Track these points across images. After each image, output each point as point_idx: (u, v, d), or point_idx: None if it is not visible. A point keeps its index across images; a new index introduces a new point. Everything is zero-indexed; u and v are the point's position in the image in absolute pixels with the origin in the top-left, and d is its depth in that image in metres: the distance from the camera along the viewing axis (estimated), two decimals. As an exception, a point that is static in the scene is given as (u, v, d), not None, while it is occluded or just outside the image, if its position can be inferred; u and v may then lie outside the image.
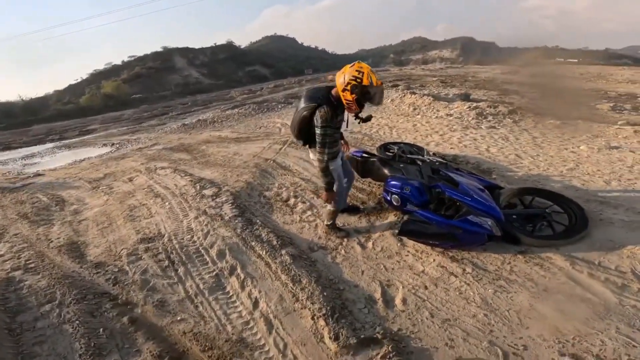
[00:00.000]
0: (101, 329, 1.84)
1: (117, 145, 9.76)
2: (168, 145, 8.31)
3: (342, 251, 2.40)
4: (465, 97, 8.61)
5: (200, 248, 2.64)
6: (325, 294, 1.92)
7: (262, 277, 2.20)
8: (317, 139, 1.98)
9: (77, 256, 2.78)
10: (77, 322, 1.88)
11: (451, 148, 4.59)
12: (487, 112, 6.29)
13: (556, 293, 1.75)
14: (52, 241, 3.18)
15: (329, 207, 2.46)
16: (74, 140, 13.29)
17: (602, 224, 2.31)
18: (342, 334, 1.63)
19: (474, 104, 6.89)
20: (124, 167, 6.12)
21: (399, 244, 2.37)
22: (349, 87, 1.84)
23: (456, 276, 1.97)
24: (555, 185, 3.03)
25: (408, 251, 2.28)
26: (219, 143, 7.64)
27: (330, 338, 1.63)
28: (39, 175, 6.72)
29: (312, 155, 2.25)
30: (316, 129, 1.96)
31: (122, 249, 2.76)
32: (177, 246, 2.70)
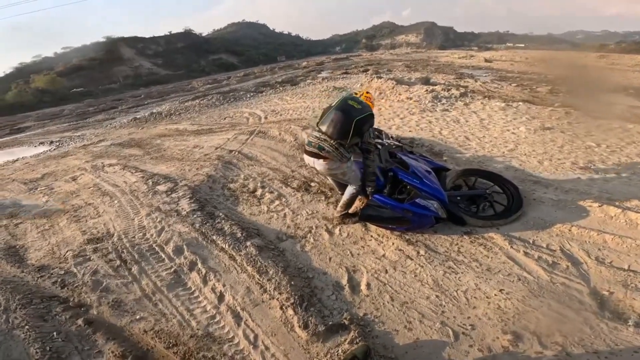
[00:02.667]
0: (55, 333, 1.80)
1: (57, 143, 8.89)
2: (117, 140, 7.75)
3: (311, 239, 2.42)
4: (425, 81, 9.10)
5: (154, 245, 2.52)
6: (293, 283, 1.93)
7: (227, 270, 2.15)
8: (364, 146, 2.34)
9: (16, 261, 2.62)
10: (27, 326, 1.82)
11: (409, 131, 4.79)
12: (442, 95, 6.68)
13: (497, 272, 1.88)
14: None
15: (345, 196, 2.49)
16: (3, 139, 11.87)
17: (535, 203, 2.51)
18: (311, 322, 1.65)
19: (432, 88, 7.28)
20: (66, 166, 5.70)
21: (363, 229, 2.43)
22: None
23: (411, 259, 2.06)
24: (497, 166, 3.26)
25: (371, 236, 2.35)
26: (176, 136, 7.27)
27: (300, 327, 1.64)
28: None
29: (323, 166, 2.34)
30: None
31: (67, 251, 2.63)
32: (128, 245, 2.58)
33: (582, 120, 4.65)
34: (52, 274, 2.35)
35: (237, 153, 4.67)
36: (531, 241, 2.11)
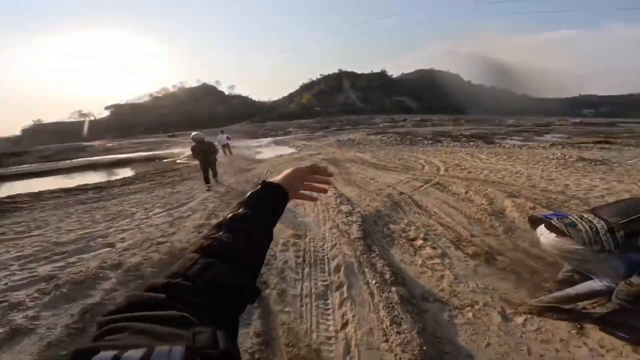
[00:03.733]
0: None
1: (299, 149, 13.34)
2: (326, 156, 10.29)
3: (469, 314, 2.15)
4: None
5: (325, 256, 3.20)
6: (424, 348, 1.81)
7: (362, 304, 2.32)
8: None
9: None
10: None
11: None
12: None
13: None
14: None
15: (582, 290, 1.98)
16: (279, 137, 18.74)
17: None
18: None
19: None
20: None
21: (573, 331, 1.88)
22: None
23: None
24: None
25: (585, 342, 1.78)
26: (360, 164, 8.59)
27: None
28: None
29: (551, 242, 1.99)
30: None
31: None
32: (312, 248, 3.41)
33: None
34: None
35: (406, 197, 4.98)
36: None
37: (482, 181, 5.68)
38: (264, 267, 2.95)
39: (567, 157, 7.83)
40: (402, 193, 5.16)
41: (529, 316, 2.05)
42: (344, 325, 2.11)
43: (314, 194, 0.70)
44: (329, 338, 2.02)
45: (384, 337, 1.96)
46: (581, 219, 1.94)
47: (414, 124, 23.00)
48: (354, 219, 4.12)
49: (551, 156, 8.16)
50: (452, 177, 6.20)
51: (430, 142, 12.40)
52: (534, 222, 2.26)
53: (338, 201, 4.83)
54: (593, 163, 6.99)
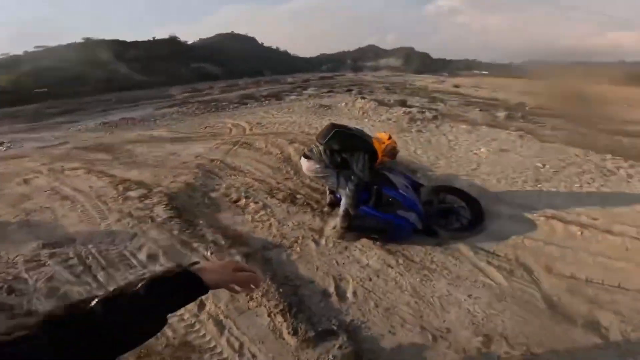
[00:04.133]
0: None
1: (8, 144, 8.22)
2: (81, 144, 7.35)
3: (298, 249, 2.45)
4: (403, 103, 9.94)
5: (125, 251, 2.41)
6: (281, 290, 1.93)
7: None
8: (349, 191, 2.47)
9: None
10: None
11: (390, 149, 5.09)
12: (417, 117, 7.33)
13: (465, 279, 2.06)
14: None
15: (342, 209, 2.59)
16: None
17: (494, 217, 2.78)
18: (300, 328, 1.66)
19: (408, 110, 8.06)
20: (18, 168, 5.25)
21: (356, 242, 2.50)
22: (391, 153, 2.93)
23: (392, 267, 2.19)
24: (462, 184, 3.52)
25: (355, 246, 2.45)
26: (150, 143, 7.05)
27: (289, 333, 1.64)
28: None
29: (305, 165, 2.66)
30: (350, 178, 2.48)
31: (17, 256, 2.41)
32: (94, 251, 2.43)
33: (532, 143, 5.28)
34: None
35: (219, 162, 4.62)
36: (492, 251, 2.33)
37: (275, 134, 6.32)
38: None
39: (315, 106, 10.37)
40: (213, 160, 4.73)
41: (326, 236, 2.57)
42: (200, 306, 1.88)
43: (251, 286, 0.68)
44: (191, 325, 1.78)
45: (248, 297, 1.92)
46: (315, 145, 2.67)
47: (220, 90, 21.68)
48: (155, 200, 3.37)
49: (309, 106, 10.52)
50: (255, 135, 6.45)
51: (236, 105, 12.34)
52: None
53: (121, 189, 3.70)
54: (325, 108, 9.86)
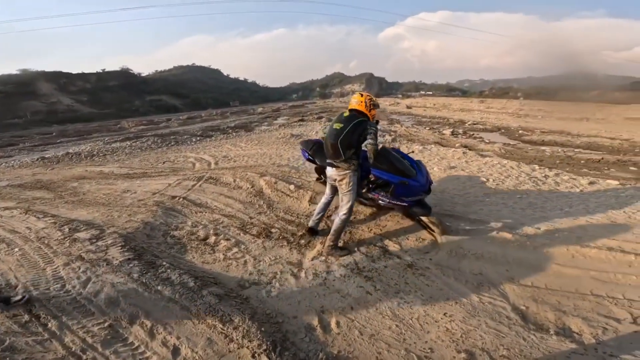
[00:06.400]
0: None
1: None
2: (16, 181, 6.59)
3: (277, 284, 2.39)
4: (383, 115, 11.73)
5: (79, 298, 2.14)
6: (263, 329, 1.84)
7: (179, 322, 1.93)
8: (372, 140, 2.59)
9: None
10: None
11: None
12: (380, 140, 8.27)
13: (438, 298, 2.18)
14: None
15: (335, 225, 2.73)
16: None
17: (453, 234, 2.96)
18: None
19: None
20: None
21: (326, 269, 2.56)
22: (372, 106, 2.77)
23: (370, 293, 2.25)
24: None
25: (334, 276, 2.48)
26: (99, 179, 6.57)
27: None
28: None
29: (336, 173, 2.72)
30: (369, 134, 2.59)
31: None
32: (40, 298, 2.14)
33: (475, 159, 6.02)
34: None
35: (181, 199, 4.42)
36: (457, 268, 2.50)
37: (244, 167, 6.28)
38: None
39: (287, 136, 10.66)
40: (174, 197, 4.50)
41: (305, 269, 2.59)
42: (175, 351, 1.76)
43: None
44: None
45: (227, 338, 1.81)
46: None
47: (180, 122, 21.11)
48: (109, 241, 3.13)
49: (280, 136, 10.75)
50: (222, 169, 6.29)
51: (199, 138, 12.01)
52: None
53: (67, 230, 3.39)
54: (297, 137, 10.13)
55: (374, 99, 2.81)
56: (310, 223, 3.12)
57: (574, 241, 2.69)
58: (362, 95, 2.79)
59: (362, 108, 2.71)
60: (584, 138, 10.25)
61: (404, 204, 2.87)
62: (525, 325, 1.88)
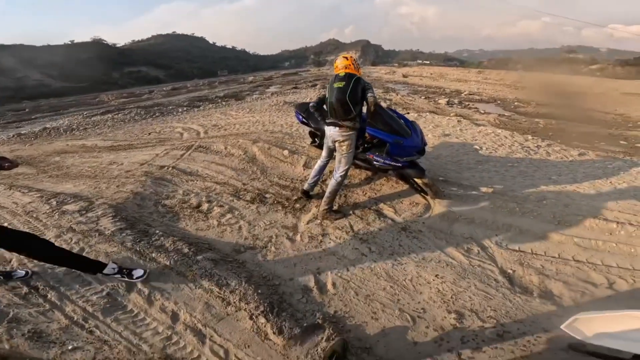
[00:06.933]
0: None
1: None
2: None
3: (272, 248, 2.43)
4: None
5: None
6: (259, 291, 1.88)
7: (176, 288, 1.96)
8: (372, 94, 2.62)
9: None
10: None
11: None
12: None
13: (430, 260, 2.25)
14: None
15: (330, 187, 2.75)
16: None
17: (446, 198, 3.04)
18: (285, 327, 1.63)
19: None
20: None
21: (322, 232, 2.58)
22: (358, 66, 2.80)
23: (366, 255, 2.30)
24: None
25: (330, 238, 2.52)
26: (83, 153, 6.36)
27: (274, 333, 1.60)
28: None
29: (340, 133, 2.68)
30: (368, 89, 2.62)
31: None
32: (37, 270, 2.12)
33: (469, 127, 6.03)
34: None
35: (170, 169, 4.32)
36: (449, 231, 2.57)
37: (235, 135, 6.13)
38: None
39: (279, 103, 10.39)
40: (163, 166, 4.39)
41: (300, 232, 2.62)
42: (174, 317, 1.80)
43: None
44: (168, 338, 1.67)
45: (224, 302, 1.84)
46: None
47: (164, 94, 20.34)
48: (99, 212, 3.07)
49: (272, 104, 10.47)
50: (212, 138, 6.14)
51: (186, 109, 11.64)
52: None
53: (54, 203, 3.31)
54: (290, 104, 9.84)
55: (353, 57, 2.87)
56: (305, 186, 3.13)
57: (560, 208, 2.76)
58: (347, 58, 2.81)
59: (351, 70, 2.74)
60: (579, 111, 10.27)
61: (398, 164, 2.86)
62: (512, 288, 1.97)
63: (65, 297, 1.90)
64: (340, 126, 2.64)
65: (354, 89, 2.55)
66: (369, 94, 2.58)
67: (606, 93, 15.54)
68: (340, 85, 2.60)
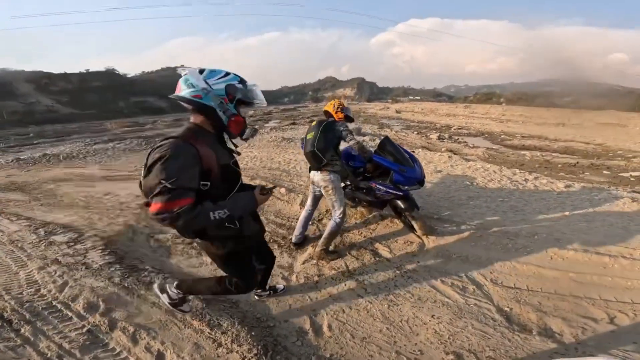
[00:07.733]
0: None
1: None
2: (-12, 182, 6.25)
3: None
4: (358, 132, 11.46)
5: (55, 302, 2.04)
6: (253, 333, 1.79)
7: (164, 327, 1.85)
8: (348, 136, 2.71)
9: None
10: None
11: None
12: (370, 145, 8.15)
13: (426, 300, 2.19)
14: None
15: (330, 228, 2.69)
16: None
17: (439, 235, 3.03)
18: None
19: (362, 138, 9.02)
20: None
21: (318, 273, 2.54)
22: (339, 109, 2.91)
23: (361, 297, 2.23)
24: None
25: (325, 279, 2.47)
26: (79, 181, 6.35)
27: None
28: None
29: (321, 177, 2.68)
30: (344, 131, 2.69)
31: None
32: (12, 303, 2.03)
33: (459, 163, 6.16)
34: None
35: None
36: (443, 270, 2.53)
37: None
38: None
39: (278, 139, 10.51)
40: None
41: (296, 273, 2.58)
42: (159, 357, 1.69)
43: None
44: None
45: (215, 343, 1.76)
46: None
47: (166, 124, 20.67)
48: (88, 245, 3.04)
49: (271, 139, 10.55)
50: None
51: None
52: None
53: (42, 233, 3.28)
54: (288, 141, 10.03)
55: (345, 105, 3.02)
56: (294, 239, 2.99)
57: (552, 243, 2.76)
58: (334, 100, 3.06)
59: (329, 109, 2.91)
60: (560, 143, 10.69)
61: (400, 192, 2.91)
62: (510, 326, 1.91)
63: (41, 332, 1.79)
64: (321, 170, 2.67)
65: (321, 138, 2.61)
66: (349, 139, 2.71)
67: (582, 124, 16.50)
68: (310, 137, 2.69)
